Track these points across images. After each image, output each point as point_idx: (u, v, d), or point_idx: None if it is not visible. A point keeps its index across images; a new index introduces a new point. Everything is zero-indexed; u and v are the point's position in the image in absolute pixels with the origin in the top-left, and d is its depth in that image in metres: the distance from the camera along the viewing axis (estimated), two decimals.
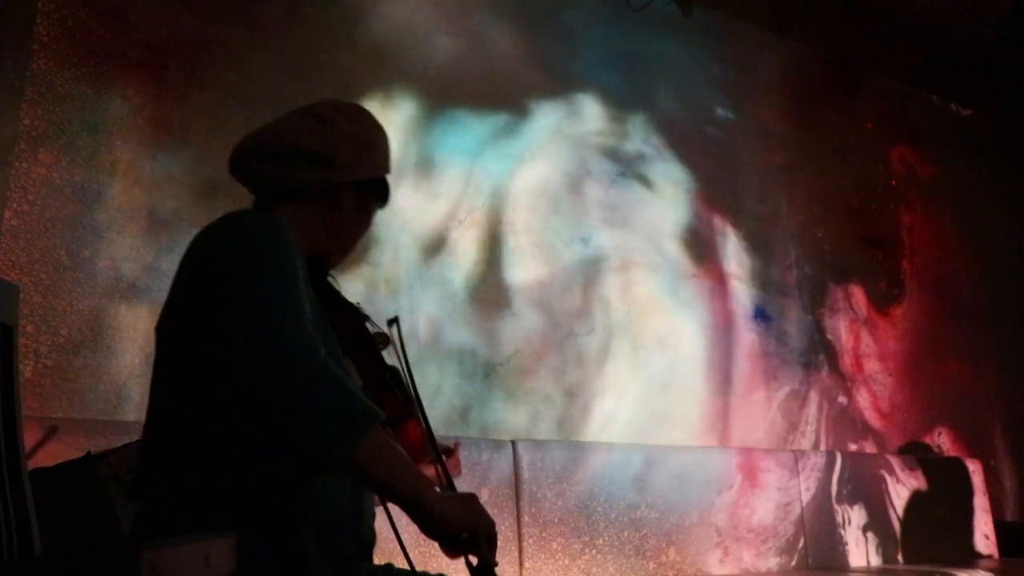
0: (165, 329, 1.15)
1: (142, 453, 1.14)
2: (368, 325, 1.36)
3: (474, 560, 1.07)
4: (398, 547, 1.18)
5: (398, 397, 1.38)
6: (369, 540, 1.24)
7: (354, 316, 1.33)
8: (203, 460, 1.07)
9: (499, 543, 1.14)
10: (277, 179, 1.25)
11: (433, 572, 1.26)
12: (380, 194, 1.36)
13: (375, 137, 1.33)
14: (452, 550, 1.09)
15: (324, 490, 1.12)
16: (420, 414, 1.32)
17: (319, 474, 1.08)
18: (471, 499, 1.11)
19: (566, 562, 2.72)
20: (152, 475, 1.12)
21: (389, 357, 1.39)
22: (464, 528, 1.06)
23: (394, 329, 1.34)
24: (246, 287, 1.05)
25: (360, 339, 1.33)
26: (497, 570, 1.09)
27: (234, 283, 1.05)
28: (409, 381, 1.33)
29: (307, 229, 1.27)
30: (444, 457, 1.51)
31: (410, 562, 1.19)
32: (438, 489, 1.14)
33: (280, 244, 1.11)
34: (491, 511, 1.13)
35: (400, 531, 1.17)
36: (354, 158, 1.28)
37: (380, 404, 1.36)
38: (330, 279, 1.34)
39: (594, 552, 2.80)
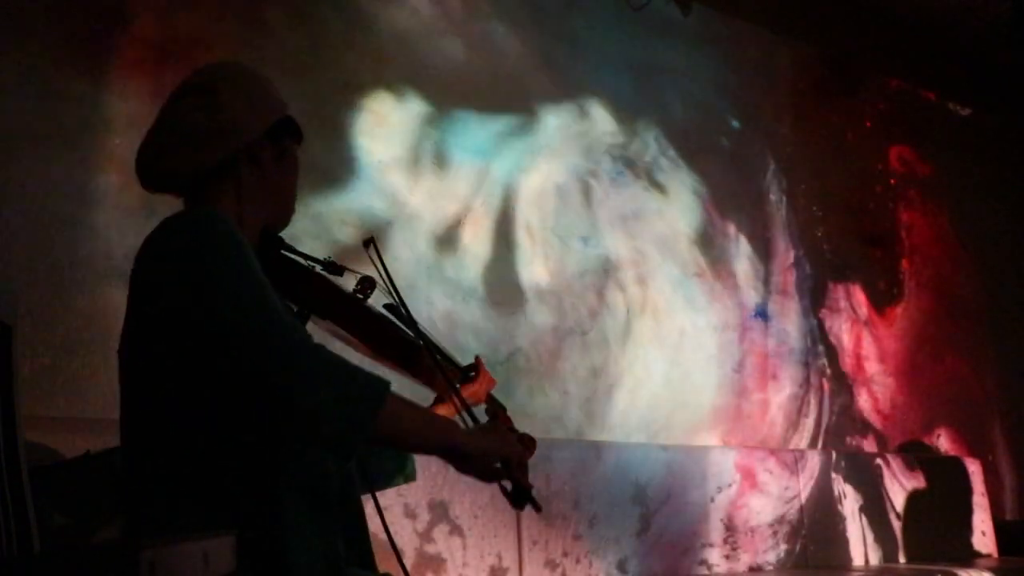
0: (131, 352, 1.14)
1: (127, 468, 1.13)
2: (339, 282, 1.34)
3: (508, 485, 1.14)
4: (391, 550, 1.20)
5: (400, 338, 1.36)
6: (363, 541, 1.22)
7: (323, 280, 1.31)
8: (198, 469, 1.06)
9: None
10: (196, 167, 1.22)
11: None
12: (290, 132, 1.34)
13: (259, 84, 1.32)
14: (487, 480, 1.16)
15: (312, 488, 1.11)
16: (425, 345, 1.33)
17: (349, 459, 1.12)
18: (497, 429, 1.18)
19: (567, 560, 2.72)
20: (141, 487, 1.10)
21: (379, 298, 1.38)
22: (496, 459, 1.14)
23: (371, 250, 1.33)
24: (217, 300, 1.04)
25: (339, 299, 1.32)
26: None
27: (204, 297, 1.05)
28: (401, 305, 1.32)
29: (249, 200, 1.25)
30: (472, 373, 1.52)
31: (405, 571, 1.20)
32: (462, 424, 1.19)
33: (228, 239, 1.10)
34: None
35: (394, 537, 1.18)
36: (252, 112, 1.26)
37: (382, 352, 1.36)
38: (285, 252, 1.31)
39: (595, 550, 2.80)
